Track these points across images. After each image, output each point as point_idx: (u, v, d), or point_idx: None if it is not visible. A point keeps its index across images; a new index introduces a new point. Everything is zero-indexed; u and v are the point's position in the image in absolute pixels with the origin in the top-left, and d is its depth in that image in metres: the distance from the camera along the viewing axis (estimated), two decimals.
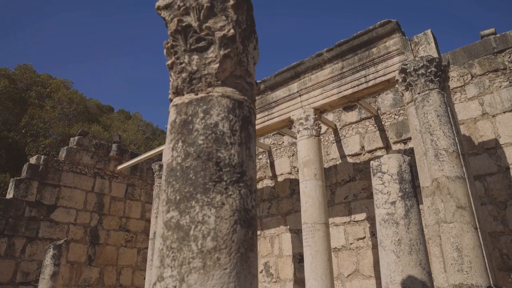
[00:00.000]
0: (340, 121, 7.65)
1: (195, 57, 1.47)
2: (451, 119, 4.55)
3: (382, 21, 5.27)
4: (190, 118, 1.36)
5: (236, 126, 1.37)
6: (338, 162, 7.45)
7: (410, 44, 5.08)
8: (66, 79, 17.98)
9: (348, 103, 6.08)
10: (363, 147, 7.21)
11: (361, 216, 6.85)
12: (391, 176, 2.81)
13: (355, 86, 5.48)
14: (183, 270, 1.16)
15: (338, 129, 7.64)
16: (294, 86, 6.19)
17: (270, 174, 8.61)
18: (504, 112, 5.81)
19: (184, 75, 1.46)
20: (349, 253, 6.84)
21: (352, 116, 7.50)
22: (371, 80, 5.33)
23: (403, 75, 4.91)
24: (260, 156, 8.96)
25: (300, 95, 6.10)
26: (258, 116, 6.53)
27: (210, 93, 1.40)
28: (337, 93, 5.66)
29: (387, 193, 2.80)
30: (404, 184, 2.78)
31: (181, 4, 1.53)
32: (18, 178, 8.56)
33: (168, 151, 1.38)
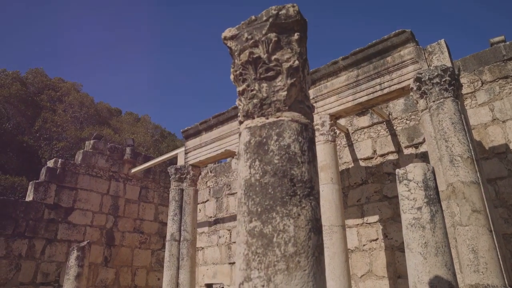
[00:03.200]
0: (352, 126, 7.86)
1: (264, 85, 1.68)
2: (465, 126, 4.74)
3: (397, 30, 5.46)
4: (265, 140, 1.57)
5: (304, 146, 1.58)
6: (350, 166, 7.65)
7: (424, 53, 5.27)
8: (76, 82, 18.28)
9: (362, 110, 6.28)
10: (375, 151, 7.42)
11: (374, 218, 7.05)
12: (417, 184, 3.02)
13: (370, 94, 5.67)
14: (269, 271, 1.37)
15: (350, 134, 7.84)
16: (310, 93, 6.40)
17: None
18: None
19: (255, 101, 1.67)
20: (362, 254, 7.03)
21: (364, 120, 7.70)
22: (386, 88, 5.52)
23: (418, 83, 5.10)
24: None
25: (316, 102, 6.30)
26: None
27: (280, 118, 1.61)
28: (353, 100, 5.86)
29: (413, 199, 3.00)
30: (429, 191, 2.99)
31: (249, 36, 1.74)
32: (37, 181, 8.79)
33: (245, 169, 1.59)
